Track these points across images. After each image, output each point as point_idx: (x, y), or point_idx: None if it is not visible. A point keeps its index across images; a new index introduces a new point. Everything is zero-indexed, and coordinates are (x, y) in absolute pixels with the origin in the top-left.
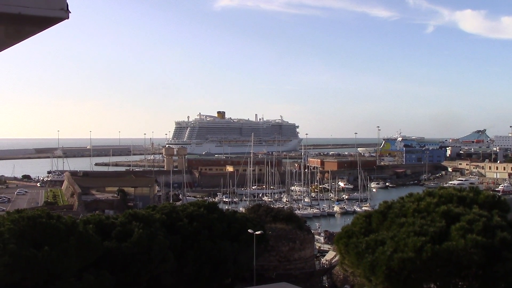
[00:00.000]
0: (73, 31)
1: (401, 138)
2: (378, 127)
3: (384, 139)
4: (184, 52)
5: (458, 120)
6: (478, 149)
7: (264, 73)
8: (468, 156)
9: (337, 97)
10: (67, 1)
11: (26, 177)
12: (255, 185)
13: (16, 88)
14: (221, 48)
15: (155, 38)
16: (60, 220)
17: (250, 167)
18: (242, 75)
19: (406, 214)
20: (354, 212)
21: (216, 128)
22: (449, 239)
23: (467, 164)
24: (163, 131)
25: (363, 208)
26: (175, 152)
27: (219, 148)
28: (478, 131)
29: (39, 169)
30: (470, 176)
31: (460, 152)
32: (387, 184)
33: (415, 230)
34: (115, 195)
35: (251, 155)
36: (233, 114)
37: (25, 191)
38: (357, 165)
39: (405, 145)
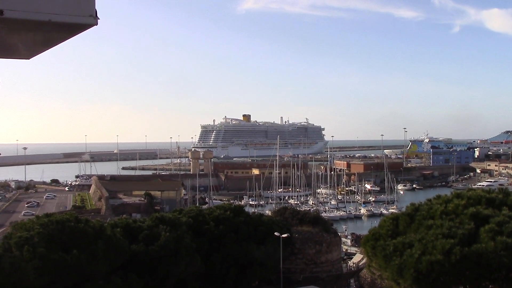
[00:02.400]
0: (98, 36)
1: (428, 140)
2: (405, 128)
3: (410, 141)
4: (208, 56)
5: (486, 121)
6: (507, 150)
7: (289, 75)
8: (497, 157)
9: (363, 99)
10: (95, 8)
11: (55, 182)
12: (281, 188)
13: (45, 93)
14: (246, 51)
15: (180, 42)
16: (88, 224)
17: (276, 170)
18: (267, 78)
19: (434, 216)
20: (381, 214)
21: (242, 131)
22: (478, 242)
23: (496, 165)
24: (189, 135)
25: (390, 210)
26: (201, 156)
27: (245, 151)
28: (507, 132)
29: (67, 173)
30: (499, 177)
31: (489, 153)
32: (414, 186)
33: (443, 232)
34: (142, 199)
35: (277, 158)
36: (258, 117)
37: (54, 195)
38: (383, 167)
39: (432, 147)
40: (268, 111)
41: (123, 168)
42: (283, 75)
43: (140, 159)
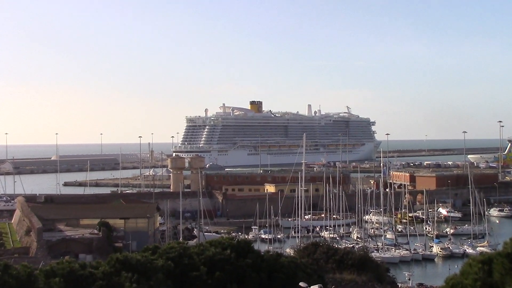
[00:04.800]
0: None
1: None
2: (500, 122)
3: (509, 141)
4: (198, 9)
5: None
6: None
7: (320, 43)
8: None
9: (432, 78)
10: None
11: None
12: (309, 214)
13: None
14: (254, 5)
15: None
16: (9, 273)
17: (301, 186)
18: (286, 46)
19: None
20: (465, 255)
21: (249, 126)
22: None
23: None
24: (169, 133)
25: (478, 249)
26: (186, 164)
27: (254, 157)
28: None
29: None
30: None
31: None
32: None
33: None
34: (95, 231)
35: (303, 168)
36: (273, 105)
37: None
38: (467, 181)
39: None
40: (288, 97)
41: (66, 184)
42: (311, 41)
43: (92, 169)
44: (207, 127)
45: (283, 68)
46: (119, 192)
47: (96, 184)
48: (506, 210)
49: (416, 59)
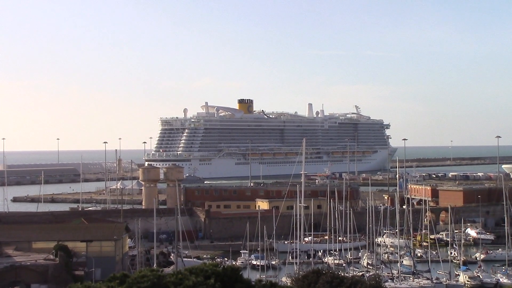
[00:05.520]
0: None
1: None
2: None
3: None
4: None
5: None
6: None
7: (323, 29)
8: None
9: (461, 71)
10: None
11: None
12: (310, 235)
13: None
14: None
15: None
16: None
17: (300, 202)
18: (281, 35)
19: None
20: (498, 285)
21: (237, 129)
22: None
23: None
24: (140, 138)
25: None
26: (161, 176)
27: (243, 167)
28: None
29: None
30: None
31: None
32: None
33: None
34: (51, 257)
35: (302, 180)
36: (266, 104)
37: None
38: (501, 196)
39: None
40: (284, 94)
41: (15, 200)
42: (312, 27)
43: (47, 182)
44: (186, 130)
45: (278, 60)
46: (80, 209)
47: (52, 200)
48: None
49: (440, 48)
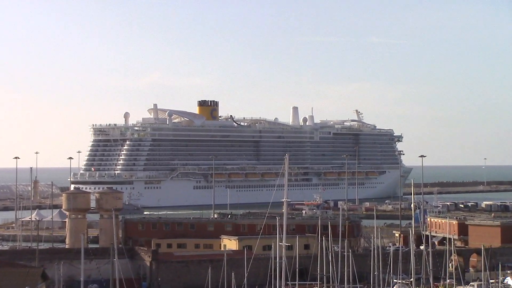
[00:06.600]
0: None
1: None
2: None
3: None
4: None
5: None
6: None
7: (315, 9)
8: None
9: (496, 66)
10: None
11: None
12: (294, 286)
13: None
14: None
15: None
16: None
17: (281, 241)
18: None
19: None
20: None
21: (197, 141)
22: None
23: None
24: (63, 152)
25: None
26: (92, 203)
27: (203, 191)
28: None
29: None
30: None
31: None
32: None
33: None
34: None
35: (284, 210)
36: (236, 108)
37: None
38: None
39: None
40: (260, 95)
41: None
42: (299, 6)
43: None
44: (127, 142)
45: (252, 49)
46: None
47: None
48: None
49: (467, 33)
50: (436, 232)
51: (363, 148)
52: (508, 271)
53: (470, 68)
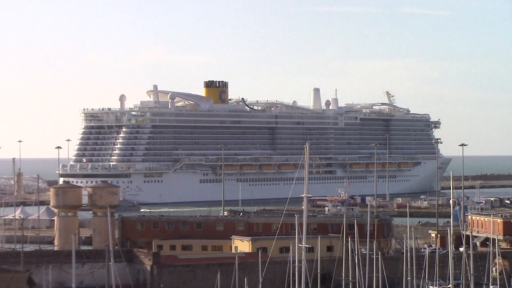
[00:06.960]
0: None
1: None
2: None
3: None
4: None
5: None
6: None
7: None
8: None
9: None
10: None
11: None
12: None
13: None
14: None
15: None
16: None
17: (300, 242)
18: None
19: None
20: None
21: (203, 128)
22: None
23: None
24: (51, 141)
25: None
26: (84, 199)
27: (211, 185)
28: None
29: None
30: None
31: None
32: None
33: None
34: None
35: (304, 207)
36: (248, 90)
37: None
38: None
39: None
40: (275, 76)
41: None
42: None
43: None
44: (124, 129)
45: (266, 23)
46: None
47: None
48: None
49: None
50: (478, 232)
51: (395, 135)
52: None
53: None
